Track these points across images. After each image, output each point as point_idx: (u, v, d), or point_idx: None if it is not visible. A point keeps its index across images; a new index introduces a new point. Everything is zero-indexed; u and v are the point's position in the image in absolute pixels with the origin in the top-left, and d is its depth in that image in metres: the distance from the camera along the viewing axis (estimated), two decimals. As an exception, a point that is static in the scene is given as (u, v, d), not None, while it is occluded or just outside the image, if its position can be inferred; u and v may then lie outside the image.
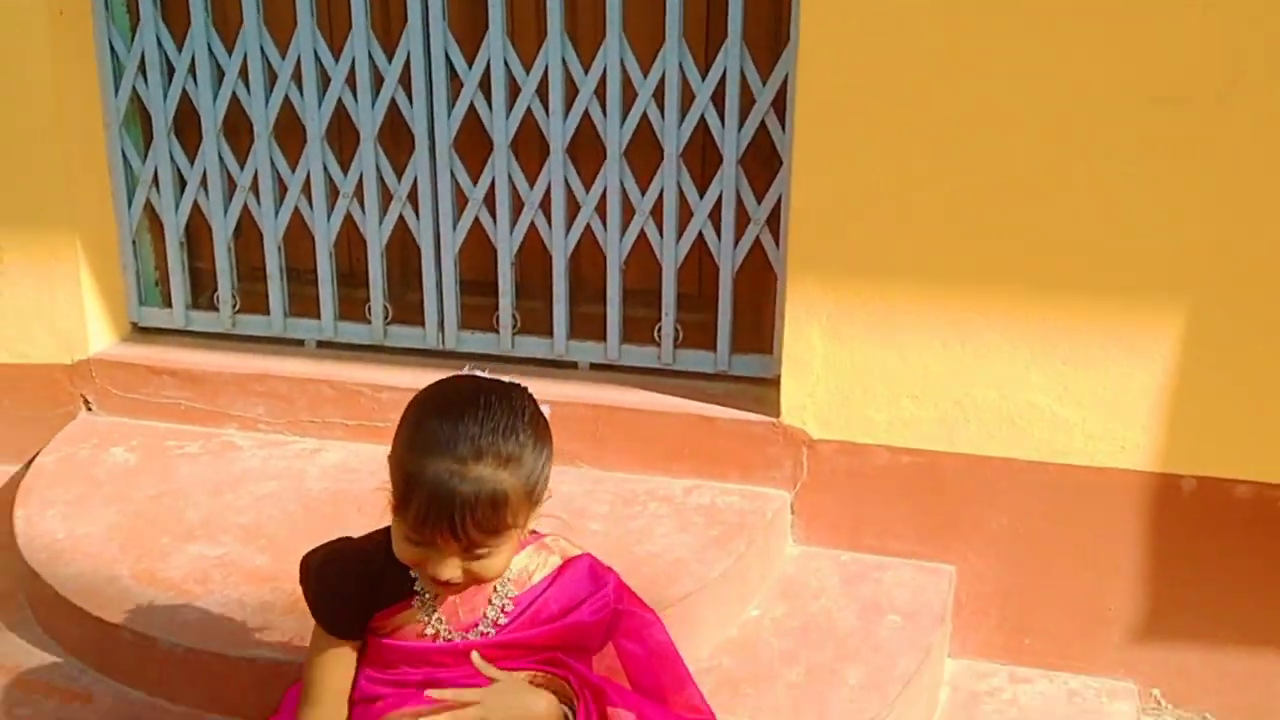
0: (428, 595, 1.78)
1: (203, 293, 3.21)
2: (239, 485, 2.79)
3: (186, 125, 3.07)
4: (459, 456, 1.59)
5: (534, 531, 1.82)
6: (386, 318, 3.04)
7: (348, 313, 3.09)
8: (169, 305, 3.18)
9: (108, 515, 2.67)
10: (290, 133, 3.00)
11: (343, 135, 2.99)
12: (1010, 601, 2.70)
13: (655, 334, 2.90)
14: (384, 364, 3.00)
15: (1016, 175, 2.44)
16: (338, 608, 1.79)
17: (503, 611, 1.78)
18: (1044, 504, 2.62)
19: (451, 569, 1.65)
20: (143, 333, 3.20)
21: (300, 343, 3.12)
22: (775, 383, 2.77)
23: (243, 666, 2.24)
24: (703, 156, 2.81)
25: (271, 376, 2.99)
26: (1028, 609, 2.69)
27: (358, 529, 1.87)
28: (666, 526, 2.63)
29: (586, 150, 2.84)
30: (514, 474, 1.62)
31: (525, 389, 1.74)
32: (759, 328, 2.92)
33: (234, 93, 2.99)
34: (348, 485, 2.75)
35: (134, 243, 3.14)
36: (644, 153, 2.80)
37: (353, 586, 1.77)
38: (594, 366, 2.97)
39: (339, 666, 1.81)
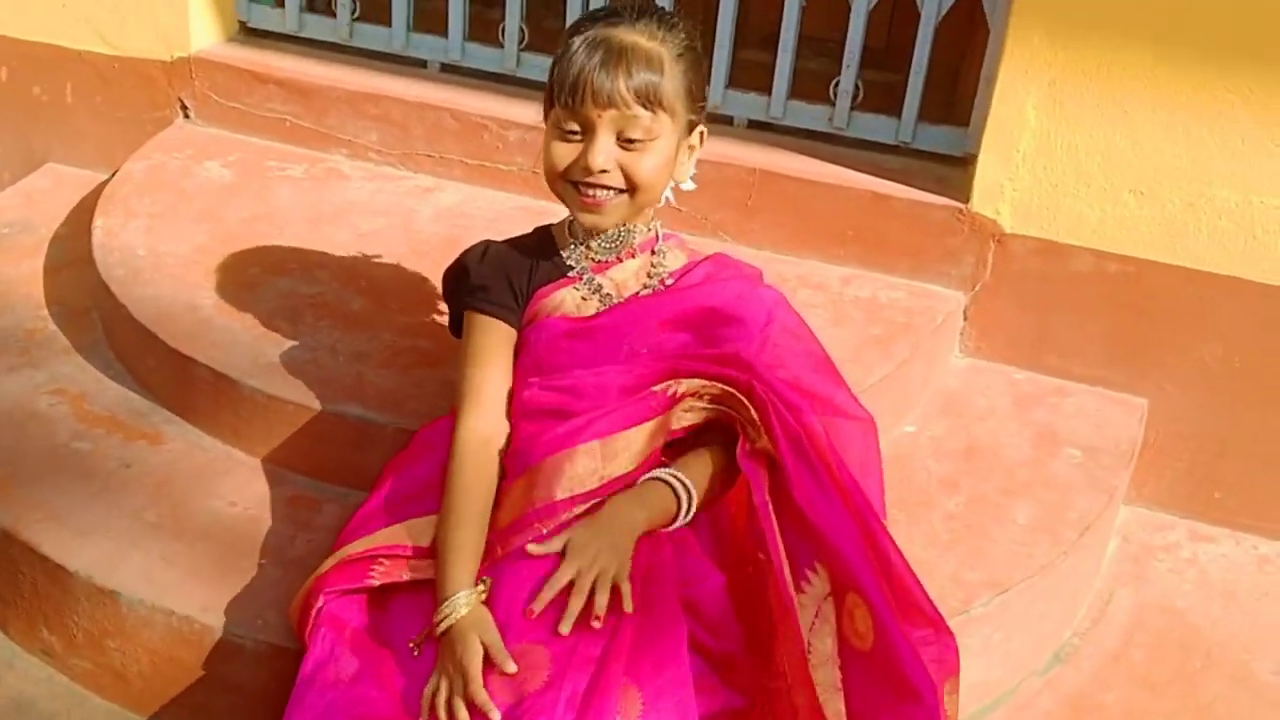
0: (584, 268, 1.74)
1: (319, -5, 2.85)
2: (341, 218, 2.48)
3: None
4: (616, 24, 1.62)
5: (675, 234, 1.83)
6: (521, 42, 2.66)
7: (478, 34, 2.73)
8: (281, 5, 2.82)
9: (195, 235, 2.39)
10: None
11: None
12: (1206, 446, 2.34)
13: (831, 91, 2.48)
14: (514, 96, 2.63)
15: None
16: (502, 281, 1.72)
17: (660, 282, 1.75)
18: (1271, 336, 2.23)
19: (604, 153, 1.61)
20: (250, 34, 2.86)
21: (423, 64, 2.76)
22: (966, 163, 2.38)
23: (329, 422, 1.98)
24: None
25: (387, 98, 2.63)
26: (1225, 457, 2.35)
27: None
28: (818, 319, 2.25)
29: None
30: (670, 47, 1.62)
31: None
32: (954, 95, 2.52)
33: None
34: (462, 231, 2.42)
35: (247, -72, 2.77)
36: None
37: (514, 260, 1.75)
38: (752, 124, 2.58)
39: (498, 363, 1.71)
